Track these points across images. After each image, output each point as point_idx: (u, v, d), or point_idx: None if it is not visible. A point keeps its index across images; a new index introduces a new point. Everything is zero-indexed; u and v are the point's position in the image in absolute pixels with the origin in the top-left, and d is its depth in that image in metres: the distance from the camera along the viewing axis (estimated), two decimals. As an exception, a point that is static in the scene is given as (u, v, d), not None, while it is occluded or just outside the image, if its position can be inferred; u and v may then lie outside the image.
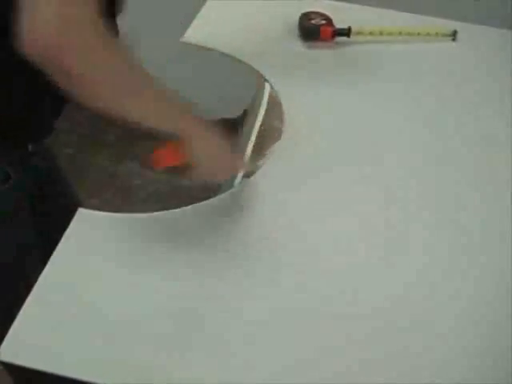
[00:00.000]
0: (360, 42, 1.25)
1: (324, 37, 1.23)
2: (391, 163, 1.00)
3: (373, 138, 1.04)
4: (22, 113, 0.85)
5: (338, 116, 1.08)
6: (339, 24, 1.24)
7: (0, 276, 0.94)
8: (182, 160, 0.79)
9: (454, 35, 1.30)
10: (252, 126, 1.08)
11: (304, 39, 1.25)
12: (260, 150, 1.01)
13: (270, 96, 1.12)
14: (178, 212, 0.87)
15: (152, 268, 0.80)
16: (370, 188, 0.95)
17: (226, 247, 0.83)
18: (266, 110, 1.10)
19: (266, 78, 1.14)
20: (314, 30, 1.23)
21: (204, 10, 1.31)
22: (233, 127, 1.15)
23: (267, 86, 1.13)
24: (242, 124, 1.13)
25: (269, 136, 1.04)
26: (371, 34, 1.25)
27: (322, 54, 1.22)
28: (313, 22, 1.24)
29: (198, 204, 0.87)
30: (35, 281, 0.76)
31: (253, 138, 1.05)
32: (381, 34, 1.25)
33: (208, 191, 0.97)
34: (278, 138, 1.01)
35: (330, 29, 1.23)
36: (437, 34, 1.29)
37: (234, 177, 0.94)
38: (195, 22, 1.27)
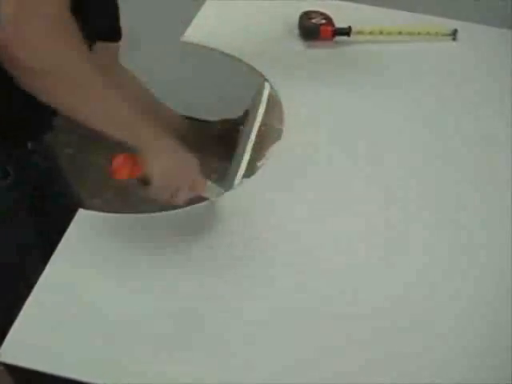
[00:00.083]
0: (360, 41, 1.25)
1: (324, 36, 1.23)
2: (391, 163, 1.00)
3: (373, 137, 1.04)
4: (20, 110, 0.85)
5: (337, 116, 1.08)
6: (339, 23, 1.24)
7: (0, 276, 0.94)
8: (140, 173, 0.76)
9: (454, 34, 1.30)
10: (252, 126, 1.07)
11: (304, 38, 1.25)
12: (260, 150, 1.01)
13: (270, 96, 1.12)
14: (177, 212, 0.87)
15: (152, 268, 0.80)
16: (370, 188, 0.95)
17: (226, 247, 0.83)
18: (266, 110, 1.10)
19: (266, 77, 1.14)
20: (314, 29, 1.23)
21: (204, 10, 1.31)
22: (233, 127, 1.15)
23: (267, 85, 1.13)
24: (243, 124, 1.13)
25: (269, 136, 1.04)
26: (371, 33, 1.25)
27: (321, 53, 1.22)
28: (313, 21, 1.24)
29: (197, 205, 0.87)
30: (35, 281, 0.76)
31: (253, 137, 1.05)
32: (381, 33, 1.25)
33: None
34: (278, 138, 1.01)
35: (330, 28, 1.23)
36: (437, 33, 1.29)
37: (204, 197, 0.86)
38: (195, 22, 1.27)
